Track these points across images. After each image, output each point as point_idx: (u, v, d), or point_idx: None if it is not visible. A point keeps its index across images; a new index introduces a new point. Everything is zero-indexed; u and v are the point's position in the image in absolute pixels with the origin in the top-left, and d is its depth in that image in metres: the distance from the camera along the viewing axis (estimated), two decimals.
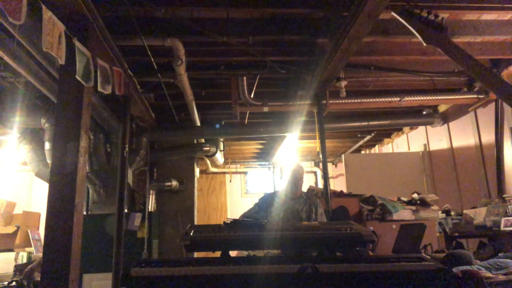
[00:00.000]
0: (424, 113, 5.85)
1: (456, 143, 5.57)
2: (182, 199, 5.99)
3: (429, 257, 1.99)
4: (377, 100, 4.89)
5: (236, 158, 8.83)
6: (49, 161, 4.36)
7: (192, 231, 2.06)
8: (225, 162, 7.89)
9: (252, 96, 4.59)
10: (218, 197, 9.24)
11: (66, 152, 2.45)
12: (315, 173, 9.49)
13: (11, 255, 5.16)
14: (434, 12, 1.71)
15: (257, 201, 3.33)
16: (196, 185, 6.33)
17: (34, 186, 7.63)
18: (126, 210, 4.05)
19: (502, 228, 3.58)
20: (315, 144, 6.13)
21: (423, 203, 4.18)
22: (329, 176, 6.51)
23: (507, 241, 3.62)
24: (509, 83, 1.48)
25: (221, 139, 6.45)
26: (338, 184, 9.03)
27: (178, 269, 1.80)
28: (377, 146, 8.13)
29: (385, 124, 5.80)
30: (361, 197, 4.35)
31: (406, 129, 6.83)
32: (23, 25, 2.16)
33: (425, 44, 1.70)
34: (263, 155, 8.75)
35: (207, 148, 6.12)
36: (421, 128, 6.41)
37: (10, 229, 5.66)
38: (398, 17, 1.74)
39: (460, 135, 5.44)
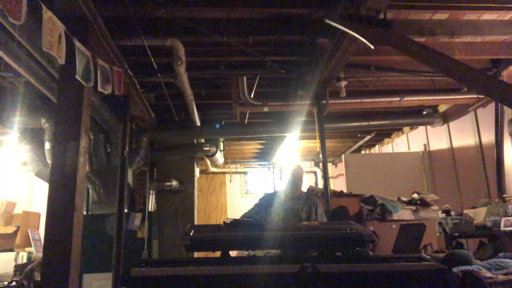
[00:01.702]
0: (424, 113, 5.85)
1: (456, 143, 5.57)
2: (182, 199, 5.99)
3: (429, 257, 1.99)
4: (377, 100, 4.89)
5: (236, 158, 8.83)
6: (49, 161, 4.36)
7: (192, 231, 2.06)
8: (225, 162, 7.89)
9: (252, 96, 4.59)
10: (218, 197, 9.24)
11: (66, 152, 2.45)
12: (315, 173, 9.48)
13: (11, 255, 5.16)
14: (375, 8, 1.50)
15: (257, 201, 3.33)
16: (196, 185, 6.33)
17: (34, 186, 7.63)
18: (126, 210, 4.05)
19: (502, 228, 3.58)
20: (315, 144, 6.13)
21: (423, 203, 4.18)
22: (329, 176, 6.51)
23: (507, 241, 3.62)
24: (482, 73, 1.42)
25: (221, 139, 6.45)
26: (338, 184, 9.03)
27: (178, 269, 1.80)
28: (377, 146, 8.13)
29: (385, 124, 5.80)
30: (361, 197, 4.35)
31: (406, 129, 6.82)
32: (23, 25, 2.16)
33: (372, 47, 1.53)
34: (263, 155, 8.75)
35: (207, 148, 6.12)
36: (421, 128, 6.41)
37: (10, 229, 5.66)
38: (335, 25, 1.58)
39: (460, 135, 5.44)
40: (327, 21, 1.54)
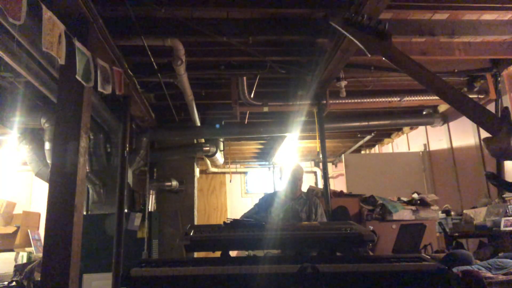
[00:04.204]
0: (424, 113, 5.85)
1: (456, 143, 5.57)
2: (182, 199, 5.99)
3: (429, 257, 1.99)
4: (377, 100, 4.89)
5: (236, 158, 8.83)
6: (49, 161, 4.36)
7: (192, 231, 2.06)
8: (225, 162, 7.89)
9: (252, 96, 4.59)
10: (218, 197, 9.24)
11: (66, 152, 2.45)
12: (315, 173, 9.48)
13: (11, 255, 5.16)
14: (377, 19, 1.58)
15: (257, 201, 3.33)
16: (196, 185, 6.34)
17: (34, 186, 7.63)
18: (126, 210, 4.05)
19: (502, 228, 3.58)
20: (315, 144, 6.13)
21: (423, 203, 4.18)
22: (329, 176, 6.51)
23: (507, 241, 3.62)
24: (471, 99, 1.41)
25: (221, 139, 6.45)
26: (338, 184, 9.03)
27: (178, 269, 1.79)
28: (377, 146, 8.13)
29: (385, 124, 5.80)
30: (361, 197, 4.35)
31: (406, 129, 6.82)
32: (23, 25, 2.16)
33: (369, 55, 1.57)
34: (263, 155, 8.75)
35: (207, 148, 6.12)
36: (421, 128, 6.41)
37: (10, 229, 5.66)
38: (338, 28, 1.63)
39: (460, 135, 5.44)
40: (332, 23, 1.53)
